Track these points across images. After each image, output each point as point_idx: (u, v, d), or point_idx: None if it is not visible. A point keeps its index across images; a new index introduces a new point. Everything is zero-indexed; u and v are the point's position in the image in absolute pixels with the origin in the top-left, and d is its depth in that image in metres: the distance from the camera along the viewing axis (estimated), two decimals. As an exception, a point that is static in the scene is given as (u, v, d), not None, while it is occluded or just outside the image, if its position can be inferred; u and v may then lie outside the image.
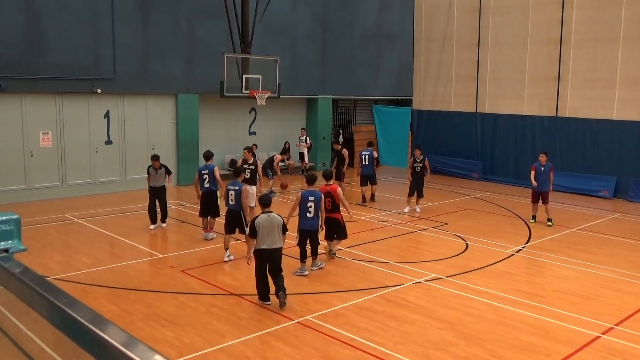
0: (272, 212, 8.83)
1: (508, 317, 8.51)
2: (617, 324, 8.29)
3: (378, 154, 26.08)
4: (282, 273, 8.71)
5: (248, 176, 13.17)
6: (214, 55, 18.34)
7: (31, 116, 16.21)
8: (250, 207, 12.39)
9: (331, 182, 11.31)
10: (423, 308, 8.80)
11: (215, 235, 12.59)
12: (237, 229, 11.00)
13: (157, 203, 13.42)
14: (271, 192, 16.90)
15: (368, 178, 16.70)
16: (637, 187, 17.91)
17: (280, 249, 8.77)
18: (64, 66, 16.43)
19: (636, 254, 12.12)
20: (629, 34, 17.84)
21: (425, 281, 10.02)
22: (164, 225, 13.44)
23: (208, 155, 12.95)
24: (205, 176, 12.55)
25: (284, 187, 14.91)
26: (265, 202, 8.95)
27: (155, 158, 13.48)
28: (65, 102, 16.80)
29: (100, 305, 8.55)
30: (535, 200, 14.65)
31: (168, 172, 13.46)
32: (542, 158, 14.49)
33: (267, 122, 22.32)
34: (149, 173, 13.47)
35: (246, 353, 7.17)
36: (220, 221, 12.00)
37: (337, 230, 11.08)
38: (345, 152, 17.64)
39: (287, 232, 8.91)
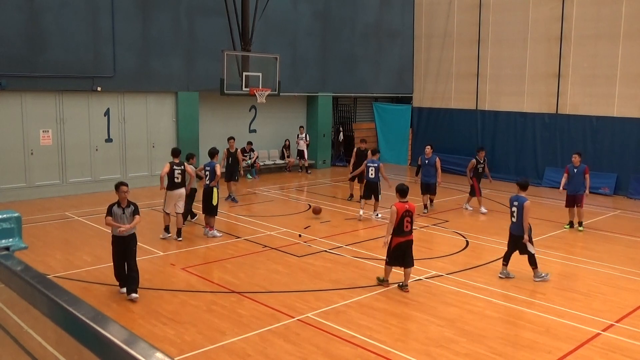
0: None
1: (508, 314, 8.52)
2: (617, 321, 8.30)
3: (379, 151, 26.06)
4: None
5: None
6: (214, 52, 18.34)
7: (31, 114, 16.20)
8: (177, 212, 12.17)
9: (406, 198, 9.52)
10: (424, 305, 8.81)
11: (221, 234, 12.59)
12: (372, 196, 14.19)
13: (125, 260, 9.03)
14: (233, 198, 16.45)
15: (429, 186, 15.59)
16: (638, 184, 17.92)
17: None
18: (64, 64, 16.42)
19: (636, 251, 12.12)
20: (630, 31, 17.83)
21: (426, 278, 10.02)
22: (134, 296, 8.76)
23: (212, 152, 12.94)
24: (207, 173, 12.58)
25: (316, 212, 14.51)
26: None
27: (124, 185, 9.15)
28: (65, 100, 16.79)
29: (101, 303, 8.56)
30: (569, 204, 13.81)
31: (136, 211, 9.02)
32: (575, 159, 13.77)
33: (267, 120, 22.32)
34: (111, 213, 8.89)
35: (247, 351, 7.18)
36: (220, 219, 12.03)
37: (411, 257, 9.50)
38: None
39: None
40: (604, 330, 7.97)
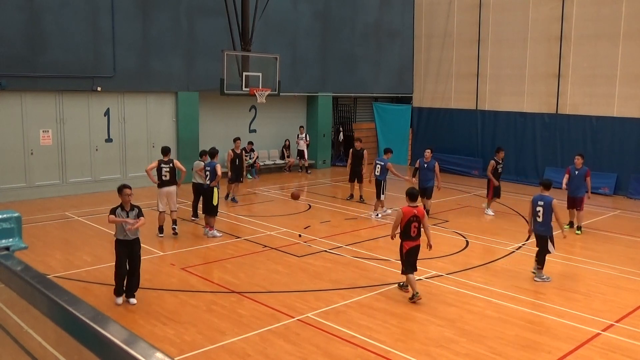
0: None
1: (508, 314, 8.52)
2: (617, 321, 8.30)
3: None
4: None
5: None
6: (214, 52, 18.33)
7: (31, 114, 16.20)
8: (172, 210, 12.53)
9: (417, 203, 9.24)
10: (424, 305, 8.81)
11: (221, 234, 12.58)
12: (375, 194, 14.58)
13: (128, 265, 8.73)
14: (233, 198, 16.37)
15: (426, 190, 14.95)
16: (638, 184, 17.91)
17: None
18: (64, 64, 16.42)
19: (636, 251, 12.13)
20: (630, 31, 17.83)
21: (426, 278, 10.02)
22: (133, 301, 8.71)
23: (213, 153, 12.95)
24: (207, 173, 12.58)
25: (295, 196, 14.59)
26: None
27: (127, 188, 8.78)
28: (65, 100, 16.79)
29: (101, 303, 8.57)
30: (570, 206, 13.82)
31: (140, 214, 8.86)
32: (578, 161, 13.60)
33: (267, 120, 22.32)
34: (114, 213, 8.68)
35: (247, 350, 7.18)
36: (220, 219, 12.03)
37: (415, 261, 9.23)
38: (366, 152, 16.66)
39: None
40: (604, 330, 7.97)
